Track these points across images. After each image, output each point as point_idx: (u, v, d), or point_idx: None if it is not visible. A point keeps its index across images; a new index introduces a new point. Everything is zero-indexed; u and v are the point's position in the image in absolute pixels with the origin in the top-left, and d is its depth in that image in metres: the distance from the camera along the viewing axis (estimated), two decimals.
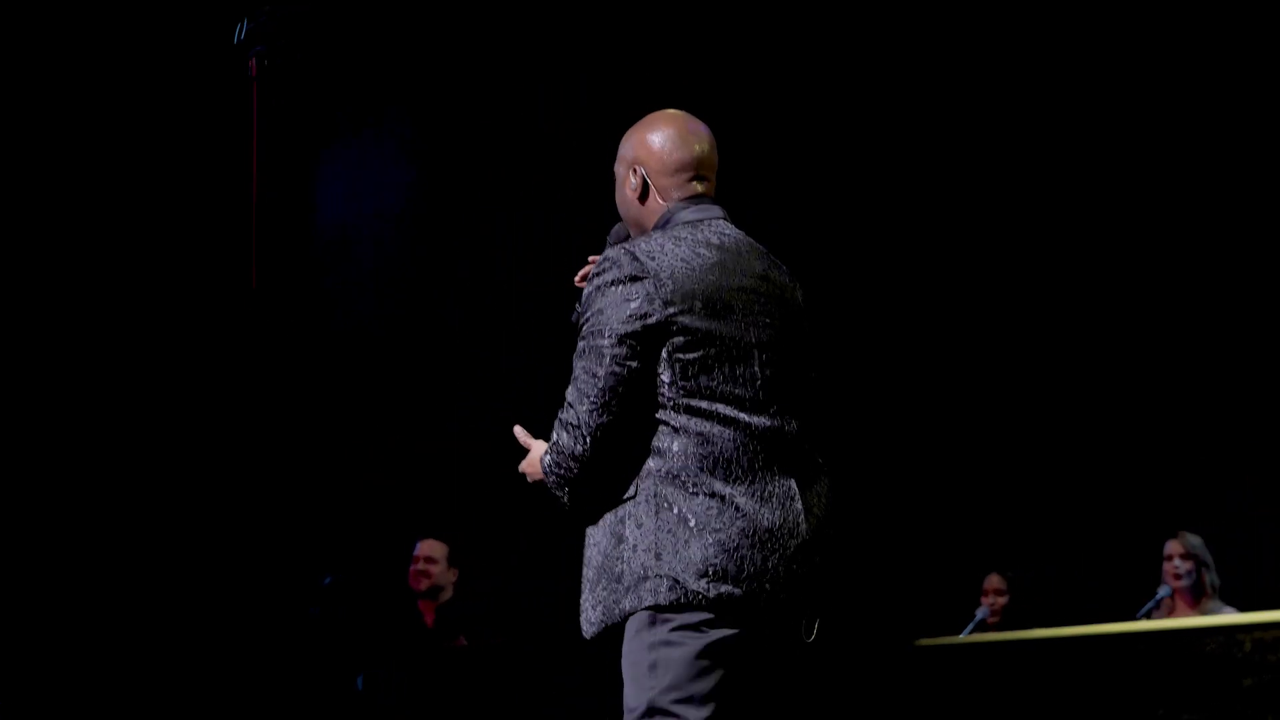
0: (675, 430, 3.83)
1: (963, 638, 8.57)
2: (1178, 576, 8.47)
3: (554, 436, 3.90)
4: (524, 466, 4.04)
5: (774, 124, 9.91)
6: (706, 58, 9.75)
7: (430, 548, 8.89)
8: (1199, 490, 9.56)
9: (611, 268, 3.89)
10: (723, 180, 4.14)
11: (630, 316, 3.83)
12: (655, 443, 3.85)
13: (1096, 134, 9.88)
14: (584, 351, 3.88)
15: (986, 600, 9.19)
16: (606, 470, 3.89)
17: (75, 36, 9.10)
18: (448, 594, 8.86)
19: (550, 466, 3.91)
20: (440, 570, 8.85)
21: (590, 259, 4.07)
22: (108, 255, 9.26)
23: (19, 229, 9.11)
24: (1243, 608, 7.96)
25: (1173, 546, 8.59)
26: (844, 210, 10.10)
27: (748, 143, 9.22)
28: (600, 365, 3.84)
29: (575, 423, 3.85)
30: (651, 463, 3.84)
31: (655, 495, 3.82)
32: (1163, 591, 8.58)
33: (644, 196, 4.07)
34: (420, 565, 8.85)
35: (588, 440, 3.84)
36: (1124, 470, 9.80)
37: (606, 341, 3.84)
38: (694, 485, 3.81)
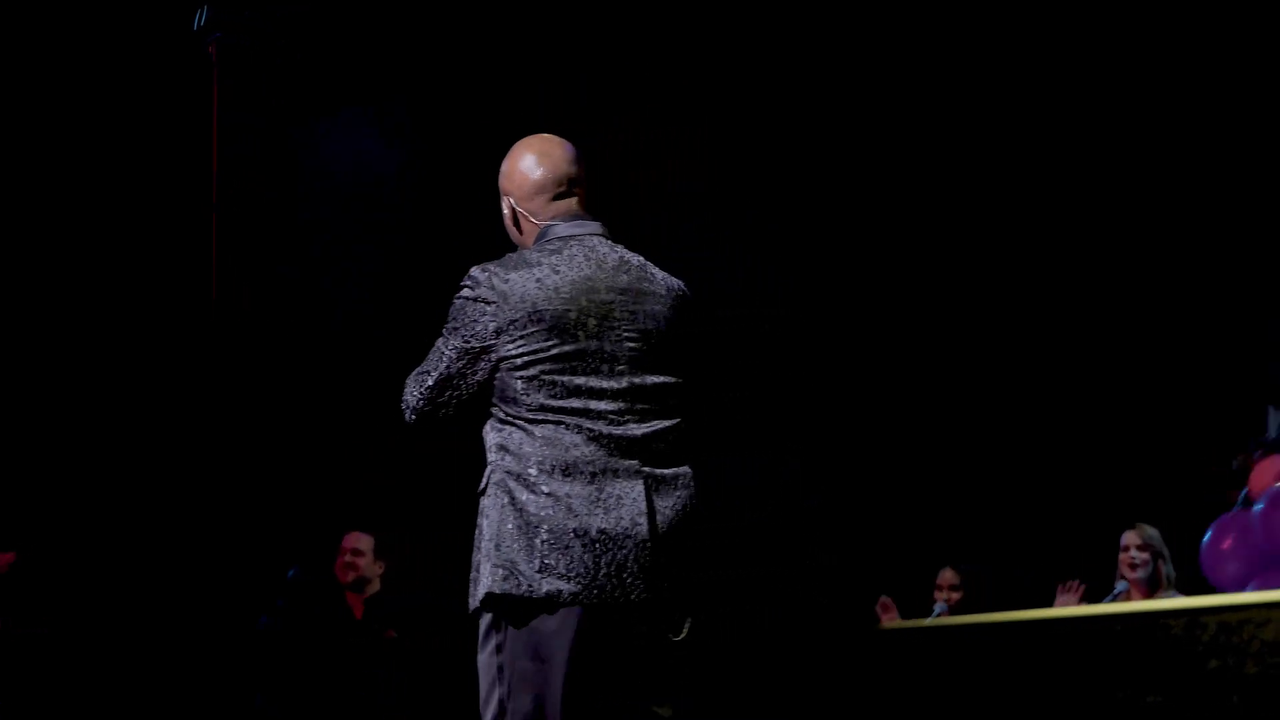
0: (526, 432, 4.11)
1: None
2: (1133, 567, 8.50)
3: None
4: None
5: (772, 123, 9.92)
6: (705, 58, 9.76)
7: (356, 539, 8.87)
8: (1156, 484, 9.60)
9: (471, 286, 4.21)
10: (722, 179, 4.21)
11: (474, 335, 4.16)
12: (508, 442, 4.13)
13: (1070, 130, 9.94)
14: (437, 345, 4.24)
15: (941, 595, 9.20)
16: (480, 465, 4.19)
17: (34, 25, 9.04)
18: (375, 586, 8.85)
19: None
20: (367, 562, 8.83)
21: None
22: (66, 248, 9.20)
23: None
24: None
25: (1129, 537, 8.62)
26: (816, 208, 10.11)
27: (746, 142, 9.28)
28: (438, 366, 4.20)
29: (408, 399, 4.25)
30: (503, 460, 4.13)
31: (504, 490, 4.09)
32: (1120, 586, 8.61)
33: (517, 222, 4.37)
34: (347, 557, 8.83)
35: (413, 417, 4.24)
36: (1079, 464, 9.84)
37: (450, 350, 4.19)
38: (536, 484, 4.07)
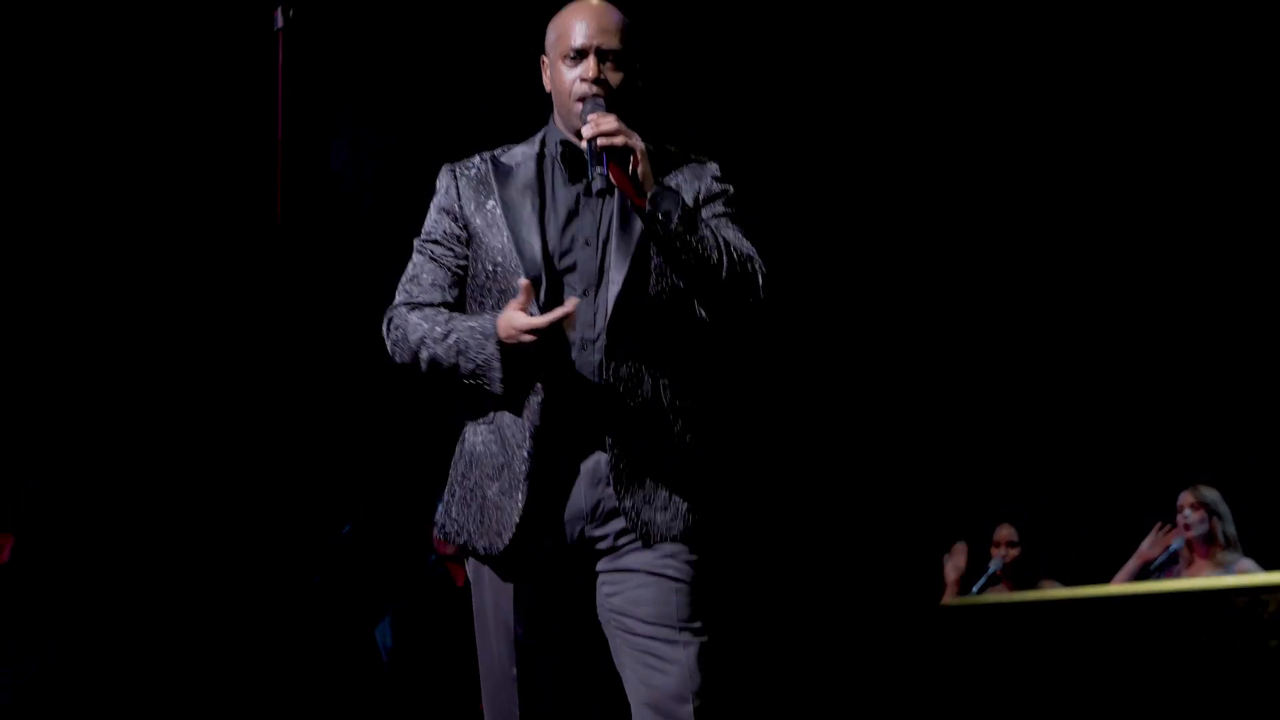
0: None
1: (977, 593, 8.56)
2: (1188, 527, 8.50)
3: (747, 252, 3.97)
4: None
5: (766, 121, 9.91)
6: (702, 58, 9.75)
7: None
8: (1214, 442, 9.58)
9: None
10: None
11: None
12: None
13: (1055, 126, 9.90)
14: (739, 216, 4.08)
15: (998, 552, 9.17)
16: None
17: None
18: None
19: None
20: None
21: (594, 116, 3.94)
22: (131, 221, 9.21)
23: (39, 197, 9.07)
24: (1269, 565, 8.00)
25: (1184, 498, 8.62)
26: (813, 208, 10.10)
27: (742, 140, 9.27)
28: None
29: (754, 253, 3.99)
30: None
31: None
32: (1176, 544, 8.59)
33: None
34: None
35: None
36: (1139, 422, 9.80)
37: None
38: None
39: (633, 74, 4.04)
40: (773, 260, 3.96)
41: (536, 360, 3.85)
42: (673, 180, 4.03)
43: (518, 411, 3.92)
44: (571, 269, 3.97)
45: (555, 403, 3.90)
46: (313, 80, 8.06)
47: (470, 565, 4.10)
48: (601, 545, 3.94)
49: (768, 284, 3.92)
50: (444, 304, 4.08)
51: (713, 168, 4.13)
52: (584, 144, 3.88)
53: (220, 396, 9.18)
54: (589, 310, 3.93)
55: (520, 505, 3.90)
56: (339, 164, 9.75)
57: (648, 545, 3.91)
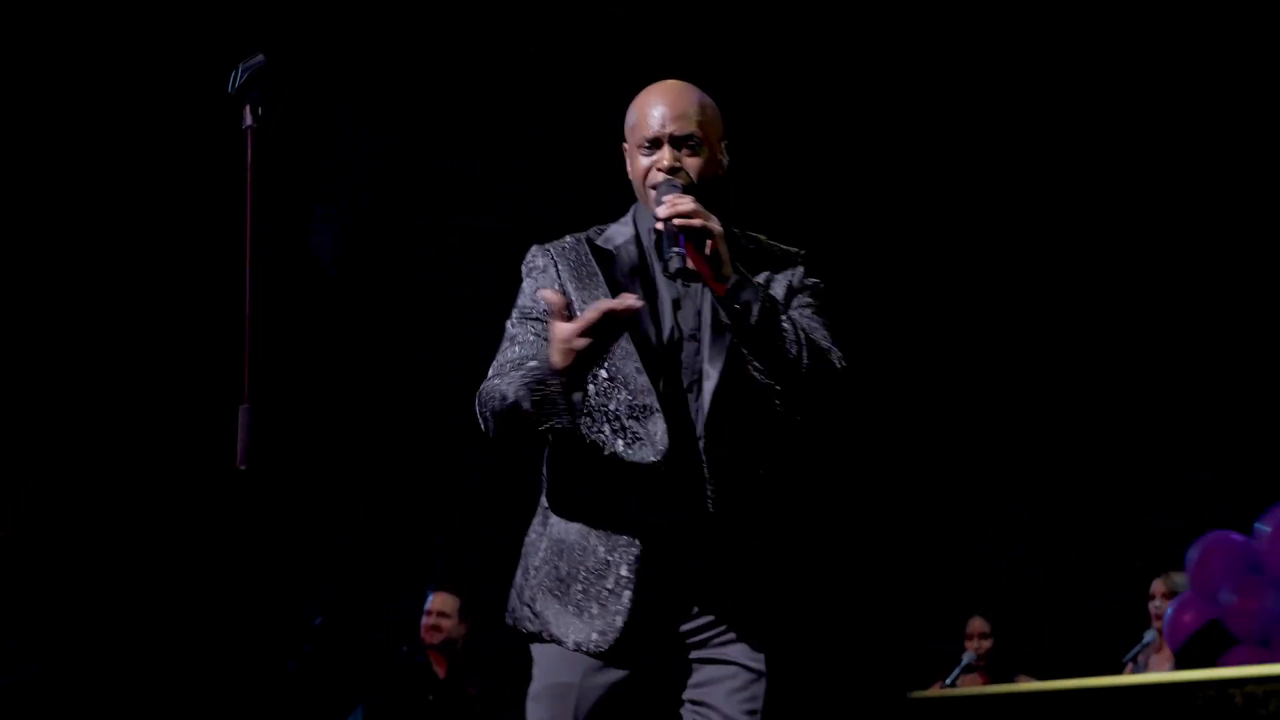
0: None
1: (949, 685, 8.56)
2: (1159, 617, 8.48)
3: (827, 346, 3.88)
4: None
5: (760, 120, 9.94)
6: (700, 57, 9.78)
7: (443, 601, 8.88)
8: (1185, 530, 9.58)
9: None
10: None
11: None
12: None
13: (1042, 125, 9.93)
14: (824, 309, 3.98)
15: (971, 644, 9.17)
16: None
17: (62, 88, 9.07)
18: (459, 646, 8.87)
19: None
20: (453, 624, 8.85)
21: (670, 196, 3.82)
22: (100, 314, 9.22)
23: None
24: None
25: (1156, 586, 8.62)
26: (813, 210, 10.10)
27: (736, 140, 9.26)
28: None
29: (833, 347, 3.88)
30: None
31: None
32: (1149, 636, 8.59)
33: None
34: (433, 619, 8.85)
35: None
36: (1108, 511, 9.81)
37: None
38: None
39: (713, 159, 3.97)
40: (853, 356, 3.90)
41: (595, 363, 3.75)
42: (762, 271, 3.96)
43: (619, 506, 3.84)
44: (676, 364, 3.88)
45: (659, 500, 3.82)
46: (287, 170, 8.18)
47: (539, 651, 3.96)
48: (692, 639, 3.88)
49: (846, 378, 3.84)
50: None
51: (801, 259, 4.06)
52: (660, 225, 3.78)
53: (194, 490, 9.17)
54: (692, 406, 3.85)
55: (628, 606, 3.81)
56: (319, 249, 9.77)
57: (742, 639, 3.86)
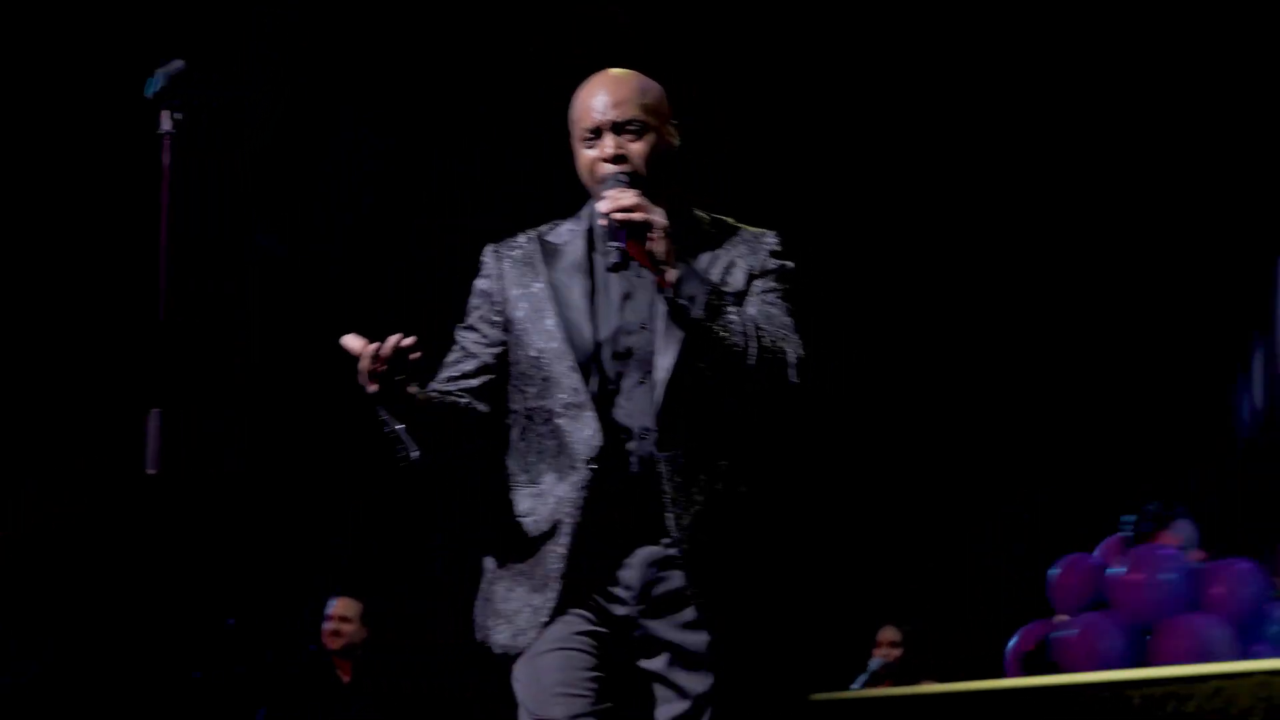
0: None
1: (855, 690, 8.62)
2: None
3: (780, 337, 3.84)
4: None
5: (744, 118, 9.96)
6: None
7: (345, 606, 8.90)
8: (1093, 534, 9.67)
9: None
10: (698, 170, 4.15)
11: None
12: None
13: (1014, 124, 10.00)
14: (790, 294, 3.95)
15: (879, 652, 9.23)
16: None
17: None
18: (360, 652, 8.88)
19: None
20: (354, 629, 8.86)
21: (613, 192, 3.81)
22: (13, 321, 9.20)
23: None
24: None
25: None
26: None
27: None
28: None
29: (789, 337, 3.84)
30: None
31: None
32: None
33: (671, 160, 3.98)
34: (334, 624, 8.86)
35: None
36: (1017, 516, 9.88)
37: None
38: None
39: (660, 141, 3.92)
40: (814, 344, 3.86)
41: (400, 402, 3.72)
42: (722, 257, 3.94)
43: (559, 503, 3.83)
44: (627, 355, 3.85)
45: (601, 496, 3.81)
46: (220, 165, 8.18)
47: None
48: (650, 618, 3.85)
49: (801, 369, 3.80)
50: (462, 391, 3.94)
51: (769, 241, 3.99)
52: (602, 220, 3.78)
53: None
54: (645, 398, 3.83)
55: (552, 604, 3.82)
56: (266, 240, 9.76)
57: (706, 621, 3.84)
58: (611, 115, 3.89)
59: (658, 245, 3.73)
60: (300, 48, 9.48)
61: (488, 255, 4.05)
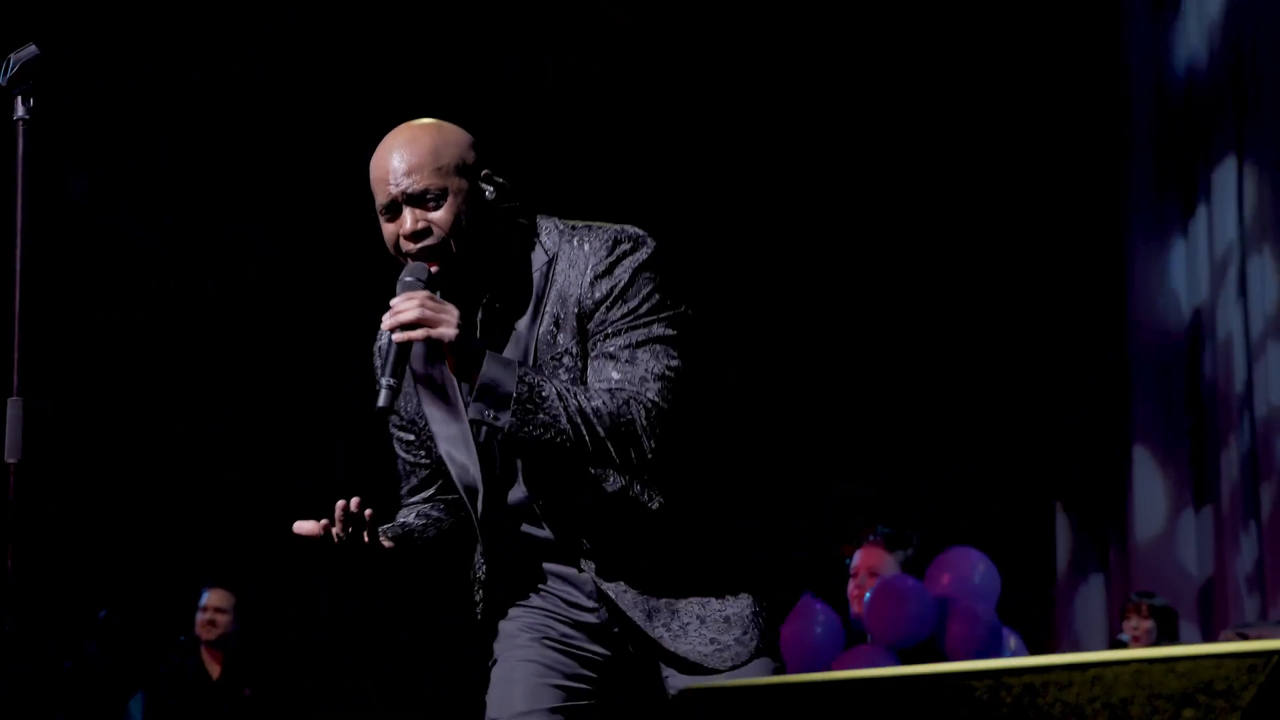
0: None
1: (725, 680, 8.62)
2: None
3: (620, 403, 3.59)
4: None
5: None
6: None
7: (219, 597, 8.81)
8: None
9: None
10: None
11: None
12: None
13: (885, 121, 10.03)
14: (641, 318, 3.66)
15: None
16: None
17: None
18: (234, 644, 8.81)
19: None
20: (228, 620, 8.78)
21: (398, 300, 3.58)
22: None
23: None
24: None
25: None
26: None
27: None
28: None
29: (637, 393, 3.59)
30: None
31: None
32: None
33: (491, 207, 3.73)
34: (209, 614, 8.77)
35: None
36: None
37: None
38: None
39: (465, 202, 3.63)
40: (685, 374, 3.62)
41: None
42: (554, 300, 3.64)
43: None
44: (489, 445, 3.75)
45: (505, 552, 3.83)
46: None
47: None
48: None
49: (657, 422, 3.54)
50: (430, 506, 3.91)
51: (621, 247, 3.67)
52: (384, 338, 3.58)
53: None
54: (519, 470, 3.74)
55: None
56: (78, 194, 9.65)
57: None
58: (404, 185, 3.59)
59: (448, 363, 3.53)
60: (300, 48, 9.39)
61: (375, 356, 3.87)
